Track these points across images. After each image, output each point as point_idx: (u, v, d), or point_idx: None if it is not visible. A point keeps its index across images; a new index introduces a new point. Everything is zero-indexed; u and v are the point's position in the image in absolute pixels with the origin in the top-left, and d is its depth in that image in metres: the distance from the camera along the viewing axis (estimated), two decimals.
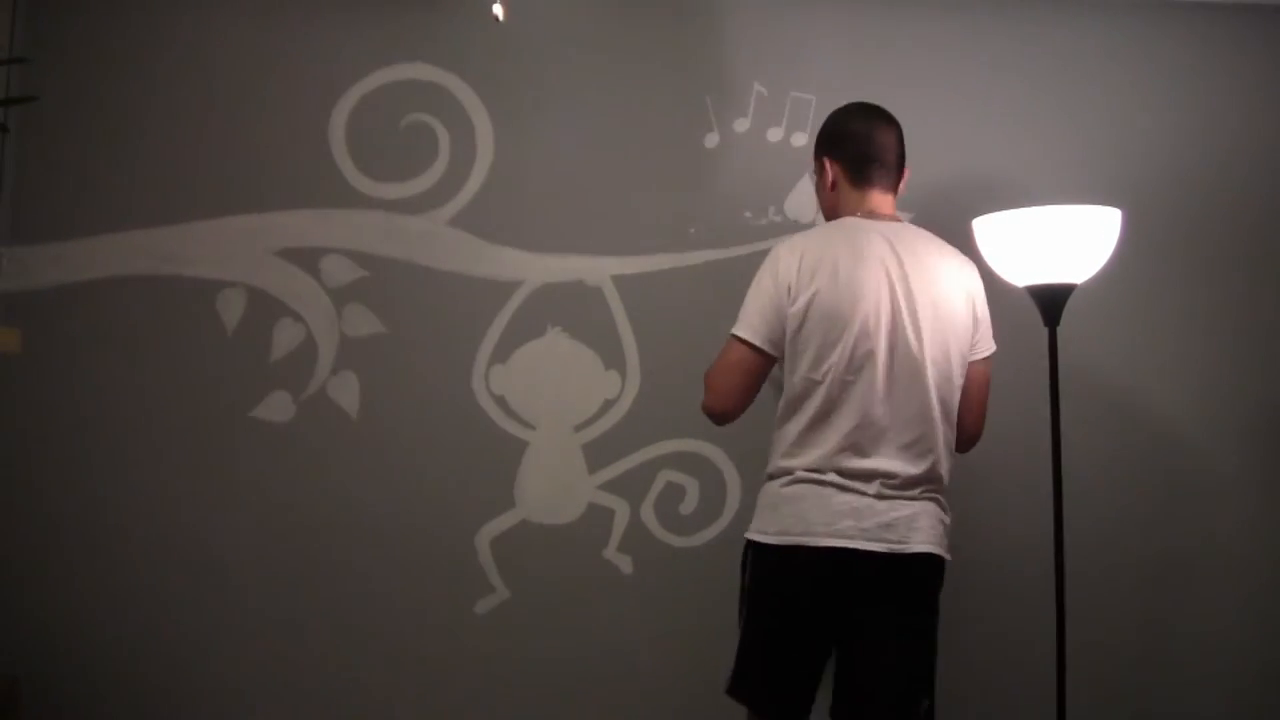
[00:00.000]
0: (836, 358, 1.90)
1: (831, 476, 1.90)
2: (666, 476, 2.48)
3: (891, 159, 2.04)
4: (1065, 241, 2.09)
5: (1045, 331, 2.17)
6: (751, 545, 1.97)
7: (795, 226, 2.48)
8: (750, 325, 1.96)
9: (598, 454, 2.47)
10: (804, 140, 2.54)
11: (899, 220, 2.04)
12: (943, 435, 1.95)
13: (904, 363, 1.91)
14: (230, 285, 2.43)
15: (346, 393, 2.43)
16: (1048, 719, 2.19)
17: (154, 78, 2.46)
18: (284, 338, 2.43)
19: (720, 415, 2.01)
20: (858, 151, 2.03)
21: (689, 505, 2.48)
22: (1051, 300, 2.15)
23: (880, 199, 2.03)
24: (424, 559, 2.42)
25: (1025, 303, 2.20)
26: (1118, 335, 2.59)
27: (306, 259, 2.44)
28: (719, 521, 2.47)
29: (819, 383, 1.91)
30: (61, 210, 2.41)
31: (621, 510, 2.47)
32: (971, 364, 2.02)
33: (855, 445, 1.90)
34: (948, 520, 1.98)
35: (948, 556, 1.97)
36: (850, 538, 1.88)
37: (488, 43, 2.50)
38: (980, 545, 2.52)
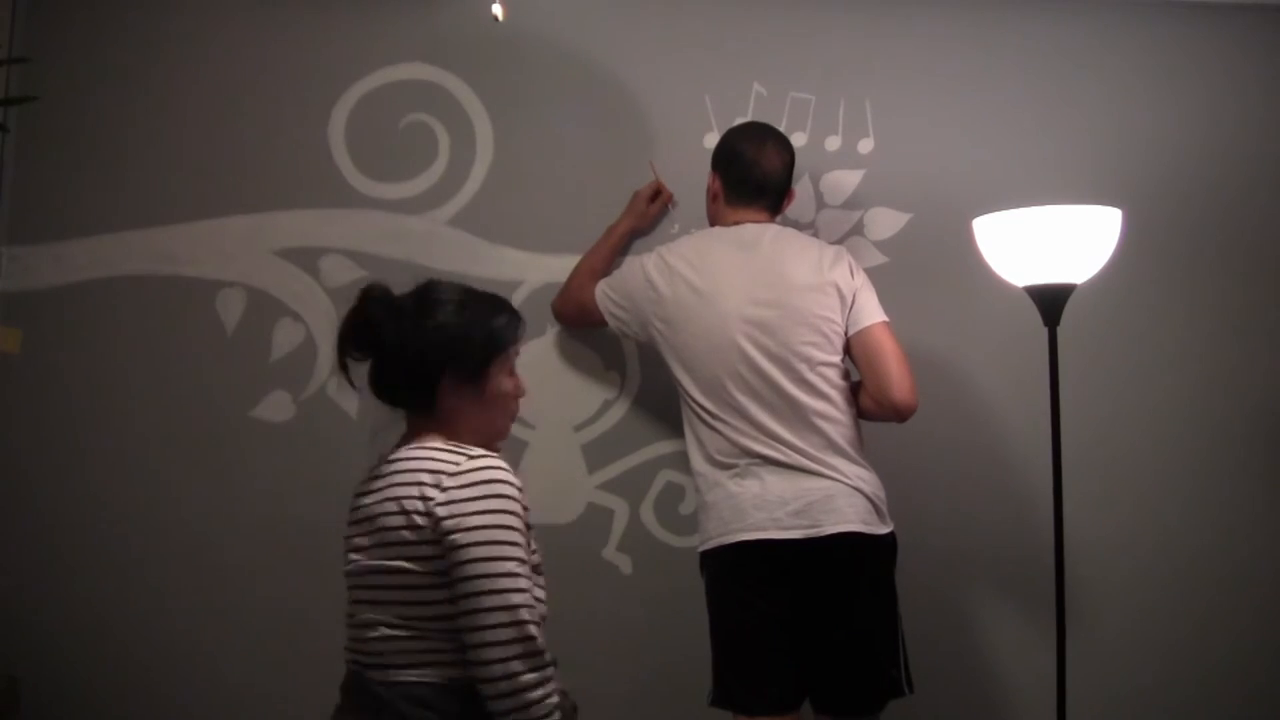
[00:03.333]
0: (699, 373, 2.08)
1: (735, 473, 2.04)
2: (666, 476, 2.48)
3: (772, 185, 2.20)
4: (1065, 241, 2.08)
5: (1045, 331, 2.17)
6: (703, 557, 2.11)
7: (793, 226, 2.48)
8: (610, 305, 2.24)
9: (597, 454, 2.47)
10: (803, 140, 2.54)
11: (765, 225, 2.18)
12: (816, 412, 2.04)
13: (761, 357, 2.04)
14: (230, 285, 2.43)
15: (346, 393, 2.42)
16: (1048, 719, 2.19)
17: (153, 77, 2.46)
18: (283, 338, 2.43)
19: (560, 320, 2.43)
20: (740, 174, 2.19)
21: (688, 505, 2.48)
22: (1051, 300, 2.15)
23: (752, 217, 2.19)
24: None
25: (1025, 303, 2.19)
26: (1118, 335, 2.59)
27: (306, 259, 2.44)
28: None
29: (697, 396, 2.09)
30: (61, 210, 2.41)
31: (621, 510, 2.47)
32: (859, 335, 2.10)
33: (744, 444, 2.03)
34: (871, 493, 2.05)
35: (879, 531, 2.04)
36: (764, 529, 1.99)
37: (488, 43, 2.50)
38: (980, 545, 2.52)
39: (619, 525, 2.46)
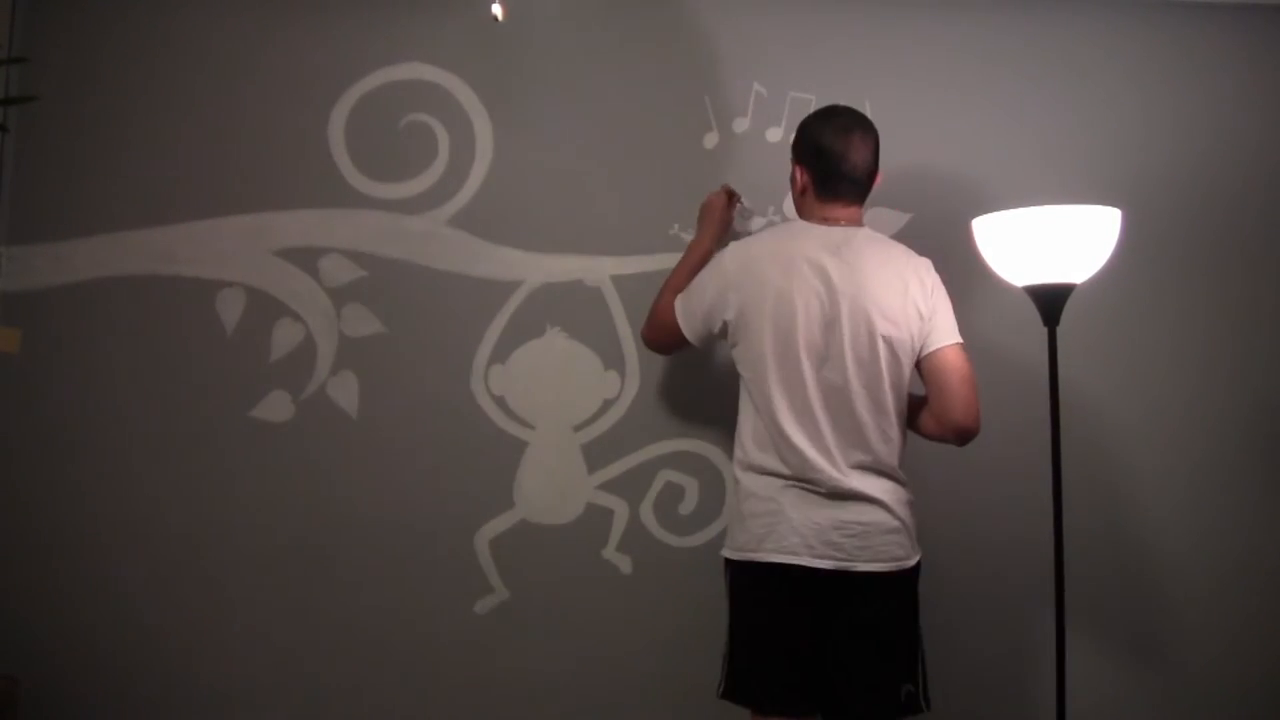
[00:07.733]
0: (768, 364, 2.01)
1: (778, 487, 2.00)
2: (666, 476, 2.48)
3: (861, 174, 2.12)
4: (1065, 241, 2.09)
5: (1045, 331, 2.17)
6: (728, 562, 2.06)
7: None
8: (687, 315, 2.15)
9: (597, 454, 2.47)
10: None
11: (854, 226, 2.11)
12: (878, 432, 2.02)
13: (832, 364, 2.00)
14: (229, 285, 2.43)
15: (346, 393, 2.43)
16: (1048, 719, 2.19)
17: (153, 77, 2.46)
18: (283, 338, 2.43)
19: (651, 348, 2.33)
20: (829, 169, 2.11)
21: (688, 505, 2.48)
22: (1051, 300, 2.15)
23: (843, 210, 2.11)
24: (423, 559, 2.42)
25: (1024, 303, 2.19)
26: (1117, 335, 2.59)
27: (306, 259, 2.44)
28: (718, 521, 2.47)
29: (759, 386, 2.03)
30: (61, 210, 2.41)
31: (621, 510, 2.47)
32: (931, 355, 2.06)
33: (792, 458, 1.99)
34: (908, 520, 2.04)
35: (908, 564, 2.03)
36: (796, 554, 1.97)
37: (487, 43, 2.50)
38: (980, 545, 2.52)
39: (619, 525, 2.46)
